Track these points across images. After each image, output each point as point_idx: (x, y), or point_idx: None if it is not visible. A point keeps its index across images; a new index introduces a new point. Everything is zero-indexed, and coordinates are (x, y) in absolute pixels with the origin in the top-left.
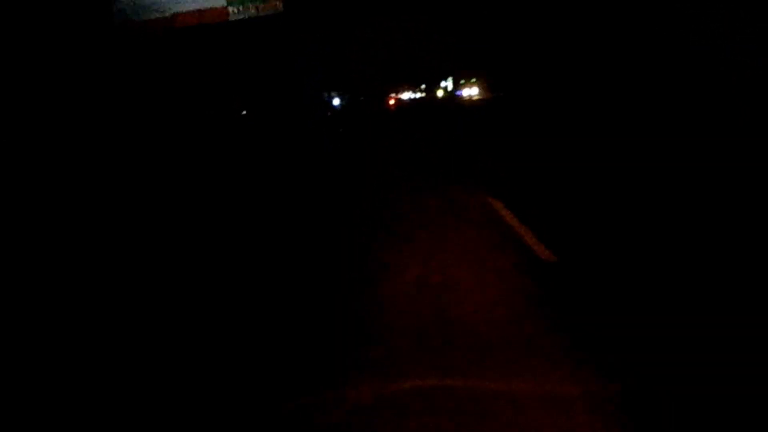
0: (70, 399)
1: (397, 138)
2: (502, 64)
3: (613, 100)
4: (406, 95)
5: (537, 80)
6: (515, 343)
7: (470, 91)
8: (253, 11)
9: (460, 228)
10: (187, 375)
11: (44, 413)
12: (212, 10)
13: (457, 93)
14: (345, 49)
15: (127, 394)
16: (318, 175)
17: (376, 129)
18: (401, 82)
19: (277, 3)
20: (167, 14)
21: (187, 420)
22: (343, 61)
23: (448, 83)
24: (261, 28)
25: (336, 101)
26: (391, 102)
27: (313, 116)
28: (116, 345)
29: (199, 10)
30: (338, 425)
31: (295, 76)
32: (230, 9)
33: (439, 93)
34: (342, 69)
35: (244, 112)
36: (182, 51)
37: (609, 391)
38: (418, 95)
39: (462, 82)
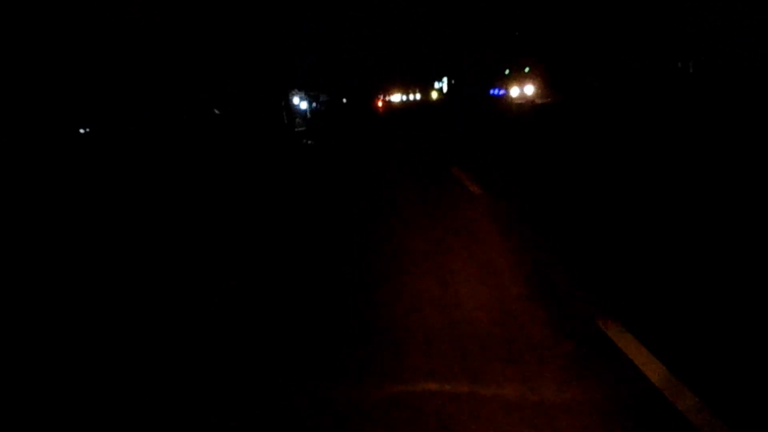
0: (71, 388)
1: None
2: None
3: None
4: (396, 97)
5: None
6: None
7: (522, 90)
8: None
9: None
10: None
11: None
12: None
13: (494, 92)
14: (338, 28)
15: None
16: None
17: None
18: (391, 82)
19: None
20: None
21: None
22: (336, 40)
23: (443, 84)
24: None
25: (303, 105)
26: (379, 104)
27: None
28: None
29: None
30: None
31: (286, 56)
32: None
33: (434, 95)
34: (333, 53)
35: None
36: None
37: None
38: (411, 97)
39: (507, 72)
